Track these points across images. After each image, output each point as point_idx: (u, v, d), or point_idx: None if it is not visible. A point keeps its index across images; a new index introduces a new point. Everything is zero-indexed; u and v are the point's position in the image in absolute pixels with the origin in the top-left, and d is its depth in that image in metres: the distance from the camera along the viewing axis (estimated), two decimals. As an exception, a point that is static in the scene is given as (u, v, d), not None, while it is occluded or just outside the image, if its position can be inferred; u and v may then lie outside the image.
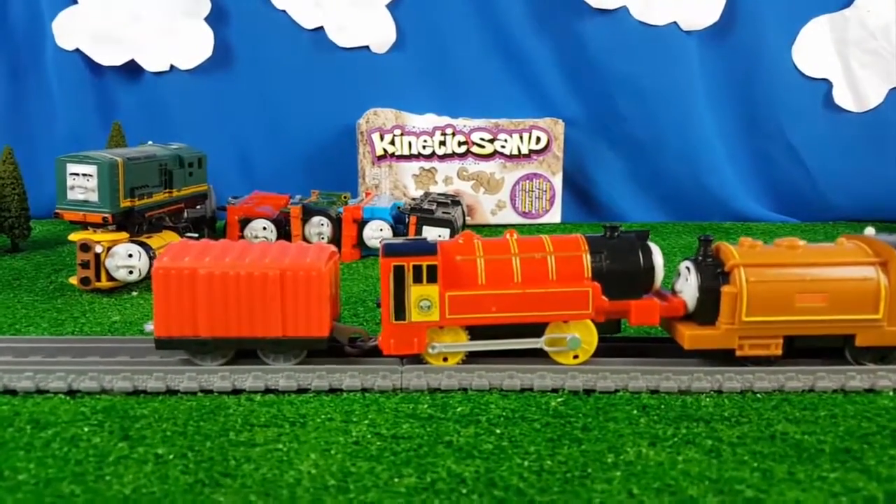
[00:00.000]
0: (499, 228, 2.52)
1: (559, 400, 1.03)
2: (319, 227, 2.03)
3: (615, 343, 1.18)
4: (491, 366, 1.08)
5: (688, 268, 1.13)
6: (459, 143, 2.53)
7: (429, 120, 2.52)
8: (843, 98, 2.56)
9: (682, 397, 1.04)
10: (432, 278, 1.06)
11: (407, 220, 2.00)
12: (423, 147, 2.52)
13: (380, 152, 2.51)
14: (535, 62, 2.60)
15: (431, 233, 1.97)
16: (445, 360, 1.09)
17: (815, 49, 2.52)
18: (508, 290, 1.08)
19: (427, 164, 2.54)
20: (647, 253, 1.11)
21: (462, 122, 2.52)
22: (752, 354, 1.09)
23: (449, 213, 2.04)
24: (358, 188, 2.52)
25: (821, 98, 2.59)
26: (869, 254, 1.11)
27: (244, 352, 1.09)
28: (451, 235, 1.96)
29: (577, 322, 1.09)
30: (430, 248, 1.08)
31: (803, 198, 2.66)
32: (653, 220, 2.68)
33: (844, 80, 2.55)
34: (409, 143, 2.51)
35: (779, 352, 1.09)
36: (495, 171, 2.55)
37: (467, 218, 2.35)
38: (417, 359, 1.10)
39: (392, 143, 2.51)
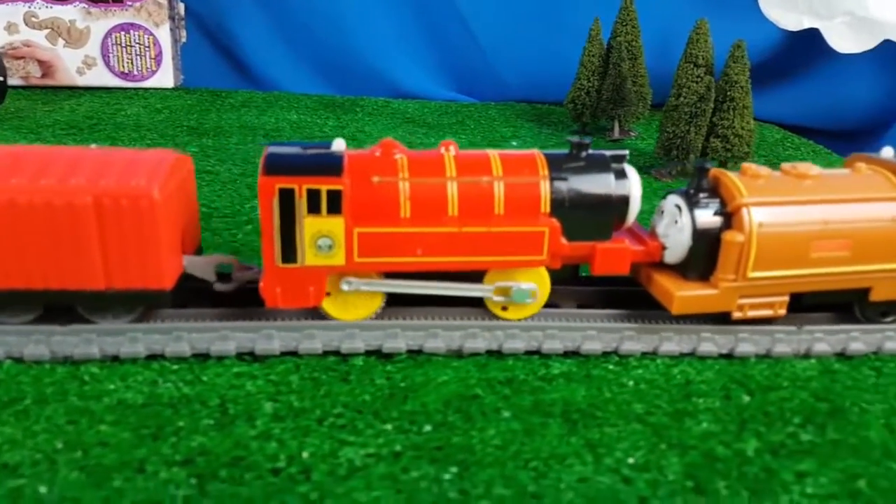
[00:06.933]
0: (91, 92, 2.16)
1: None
2: None
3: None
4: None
5: (678, 206, 0.91)
6: (20, -23, 2.03)
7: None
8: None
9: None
10: (335, 208, 0.82)
11: None
12: (-30, -20, 2.00)
13: None
14: None
15: None
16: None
17: None
18: (440, 228, 0.85)
19: (-23, 5, 2.03)
20: (622, 179, 0.90)
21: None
22: (752, 317, 0.91)
23: None
24: None
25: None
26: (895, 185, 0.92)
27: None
28: None
29: (526, 269, 0.89)
30: (332, 165, 0.82)
31: (475, 74, 2.42)
32: (308, 90, 2.40)
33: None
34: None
35: (783, 312, 0.92)
36: (76, 17, 2.12)
37: (9, 77, 1.87)
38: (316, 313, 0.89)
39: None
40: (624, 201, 0.90)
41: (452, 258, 0.86)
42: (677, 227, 0.90)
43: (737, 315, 0.91)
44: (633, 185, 0.90)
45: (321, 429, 0.76)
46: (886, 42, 2.00)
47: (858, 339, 0.96)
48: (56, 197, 0.79)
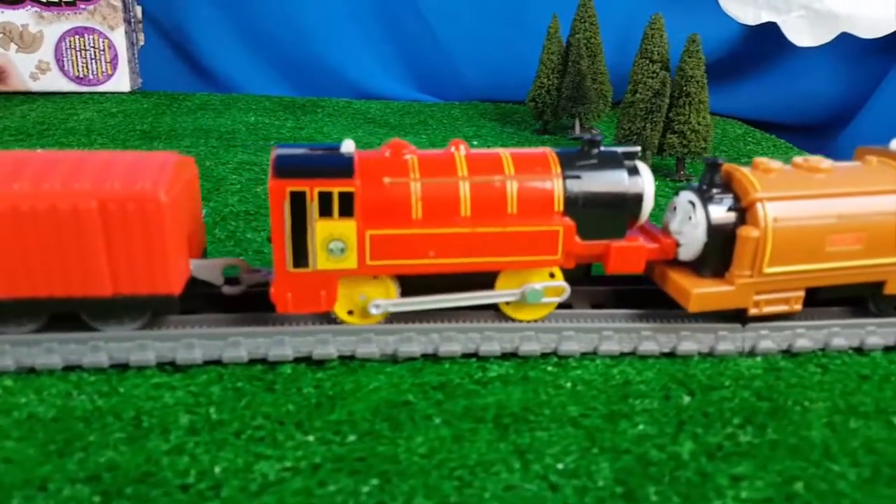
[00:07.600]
0: (46, 97, 2.11)
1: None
2: None
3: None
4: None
5: (691, 202, 0.89)
6: (-33, -18, 1.98)
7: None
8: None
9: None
10: (347, 211, 0.80)
11: None
12: (-83, -15, 1.96)
13: None
14: None
15: None
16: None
17: None
18: (453, 229, 0.83)
19: (-74, 11, 1.98)
20: (636, 176, 0.88)
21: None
22: (768, 313, 0.90)
23: None
24: None
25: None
26: None
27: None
28: None
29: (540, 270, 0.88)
30: (343, 167, 0.80)
31: (437, 74, 2.39)
32: (269, 92, 2.37)
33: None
34: None
35: (799, 307, 0.91)
36: (29, 22, 2.06)
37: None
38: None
39: None
40: (638, 199, 0.88)
41: (465, 259, 0.84)
42: (691, 223, 0.89)
43: (753, 311, 0.89)
44: (646, 182, 0.88)
45: (238, 442, 0.72)
46: (844, 35, 1.99)
47: (804, 335, 0.93)
48: (60, 202, 0.76)
